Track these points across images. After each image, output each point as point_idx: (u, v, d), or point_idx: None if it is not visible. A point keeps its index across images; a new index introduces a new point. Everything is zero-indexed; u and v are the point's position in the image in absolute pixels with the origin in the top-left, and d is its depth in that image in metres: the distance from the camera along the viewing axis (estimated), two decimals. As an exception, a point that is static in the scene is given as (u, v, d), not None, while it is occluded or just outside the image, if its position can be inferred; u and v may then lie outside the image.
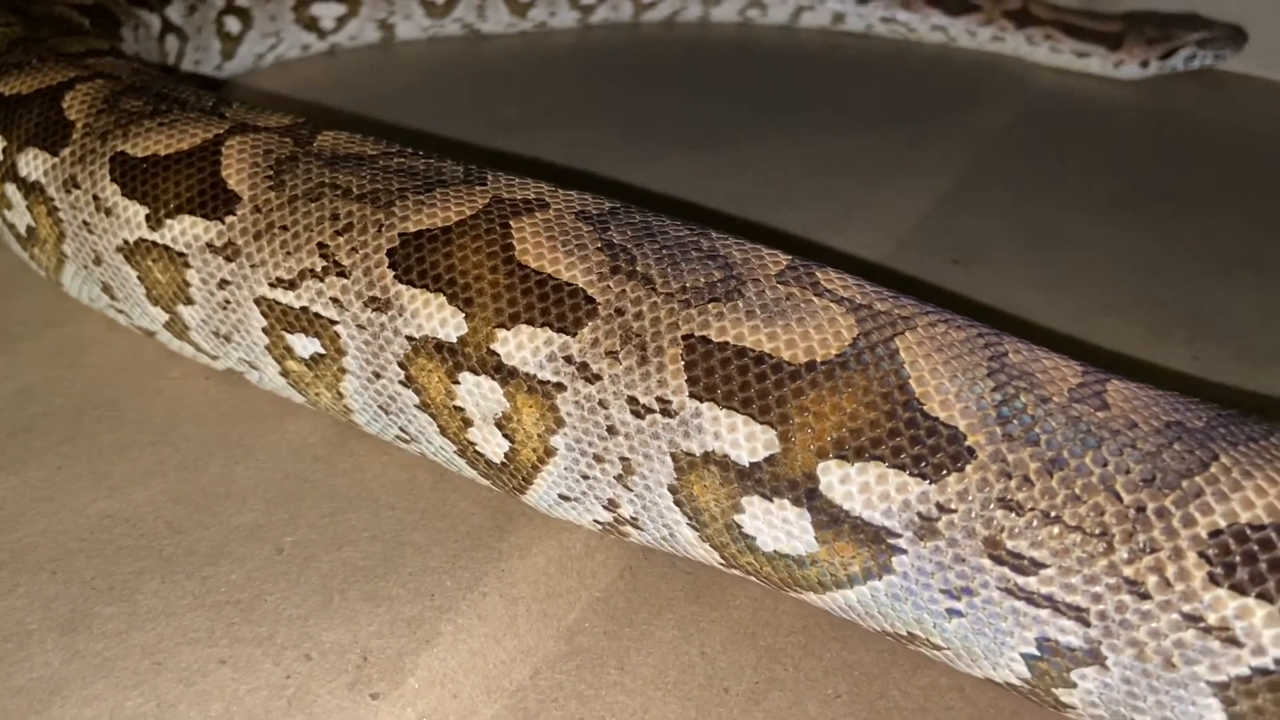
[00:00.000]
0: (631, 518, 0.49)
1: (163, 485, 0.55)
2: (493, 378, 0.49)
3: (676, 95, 1.13)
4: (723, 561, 0.48)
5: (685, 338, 0.46)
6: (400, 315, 0.50)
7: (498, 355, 0.48)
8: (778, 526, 0.45)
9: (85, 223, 0.60)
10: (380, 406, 0.54)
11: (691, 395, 0.45)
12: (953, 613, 0.43)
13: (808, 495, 0.43)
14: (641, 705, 0.46)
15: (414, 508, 0.54)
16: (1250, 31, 1.26)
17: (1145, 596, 0.39)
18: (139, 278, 0.59)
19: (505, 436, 0.50)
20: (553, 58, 1.22)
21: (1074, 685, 0.42)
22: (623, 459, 0.47)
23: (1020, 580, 0.41)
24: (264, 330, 0.55)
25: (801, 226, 0.86)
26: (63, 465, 0.56)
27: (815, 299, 0.46)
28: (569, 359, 0.47)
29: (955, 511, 0.41)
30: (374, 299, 0.51)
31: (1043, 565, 0.40)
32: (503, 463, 0.51)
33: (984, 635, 0.43)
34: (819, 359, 0.44)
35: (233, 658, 0.46)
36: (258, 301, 0.55)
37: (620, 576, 0.52)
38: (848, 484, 0.43)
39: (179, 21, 0.93)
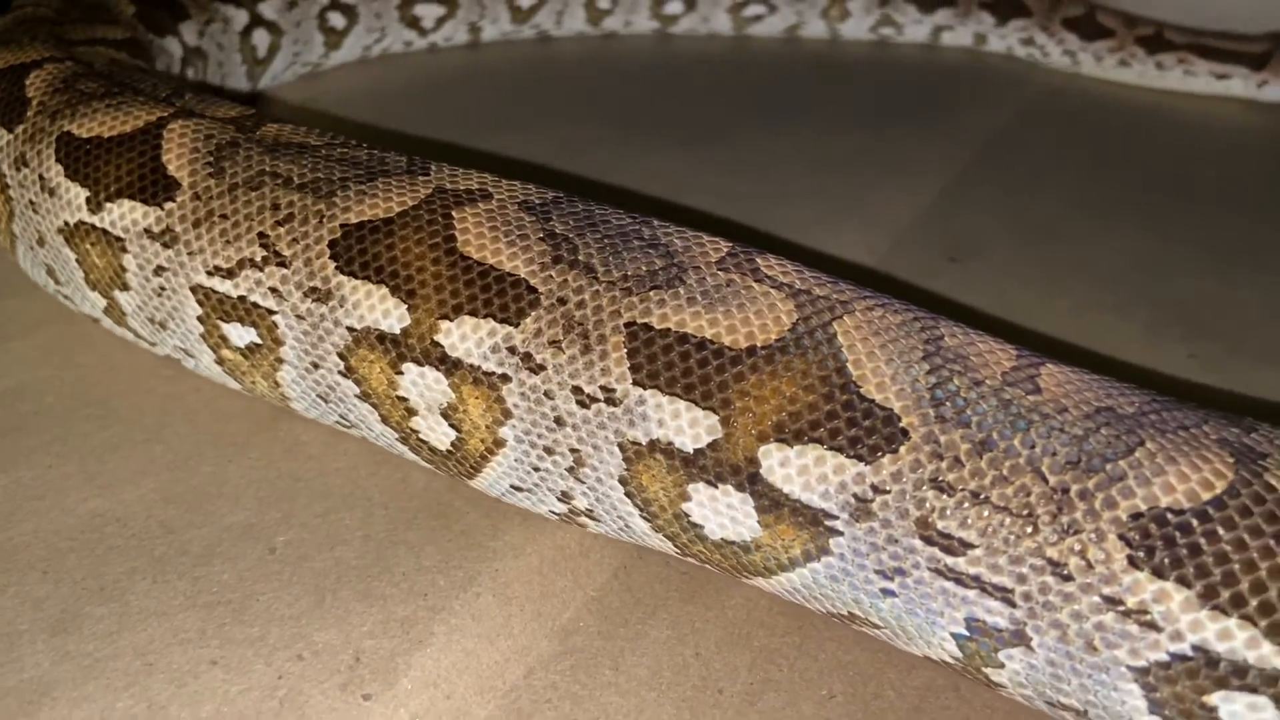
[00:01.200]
0: (587, 510, 0.49)
1: (154, 484, 0.54)
2: (437, 369, 0.49)
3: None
4: (677, 551, 0.49)
5: (627, 325, 0.46)
6: (341, 306, 0.50)
7: (441, 347, 0.48)
8: (723, 513, 0.45)
9: (31, 202, 0.60)
10: (319, 395, 0.54)
11: (635, 383, 0.45)
12: (886, 593, 0.43)
13: (750, 479, 0.44)
14: (636, 706, 0.45)
15: (407, 507, 0.54)
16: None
17: (1068, 578, 0.40)
18: (78, 261, 0.59)
19: (452, 426, 0.50)
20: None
21: (1002, 666, 0.42)
22: (573, 450, 0.47)
23: (949, 560, 0.42)
24: (199, 319, 0.55)
25: (797, 224, 0.86)
26: (54, 464, 0.56)
27: (755, 285, 0.47)
28: (513, 350, 0.47)
29: (889, 492, 0.42)
30: (314, 290, 0.51)
31: (971, 545, 0.41)
32: (449, 450, 0.51)
33: (916, 615, 0.43)
34: (759, 344, 0.44)
35: (224, 658, 0.45)
36: (194, 289, 0.54)
37: (614, 576, 0.52)
38: (788, 466, 0.43)
39: (273, 16, 0.94)
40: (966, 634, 0.43)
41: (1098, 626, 0.39)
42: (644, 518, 0.48)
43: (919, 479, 0.42)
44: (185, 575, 0.49)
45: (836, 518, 0.43)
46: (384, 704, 0.44)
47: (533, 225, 0.49)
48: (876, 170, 0.98)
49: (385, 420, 0.52)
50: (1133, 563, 0.39)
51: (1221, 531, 0.38)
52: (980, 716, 0.46)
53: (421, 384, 0.49)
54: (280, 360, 0.53)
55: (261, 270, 0.52)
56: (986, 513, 0.41)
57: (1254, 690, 0.38)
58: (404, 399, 0.50)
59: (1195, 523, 0.38)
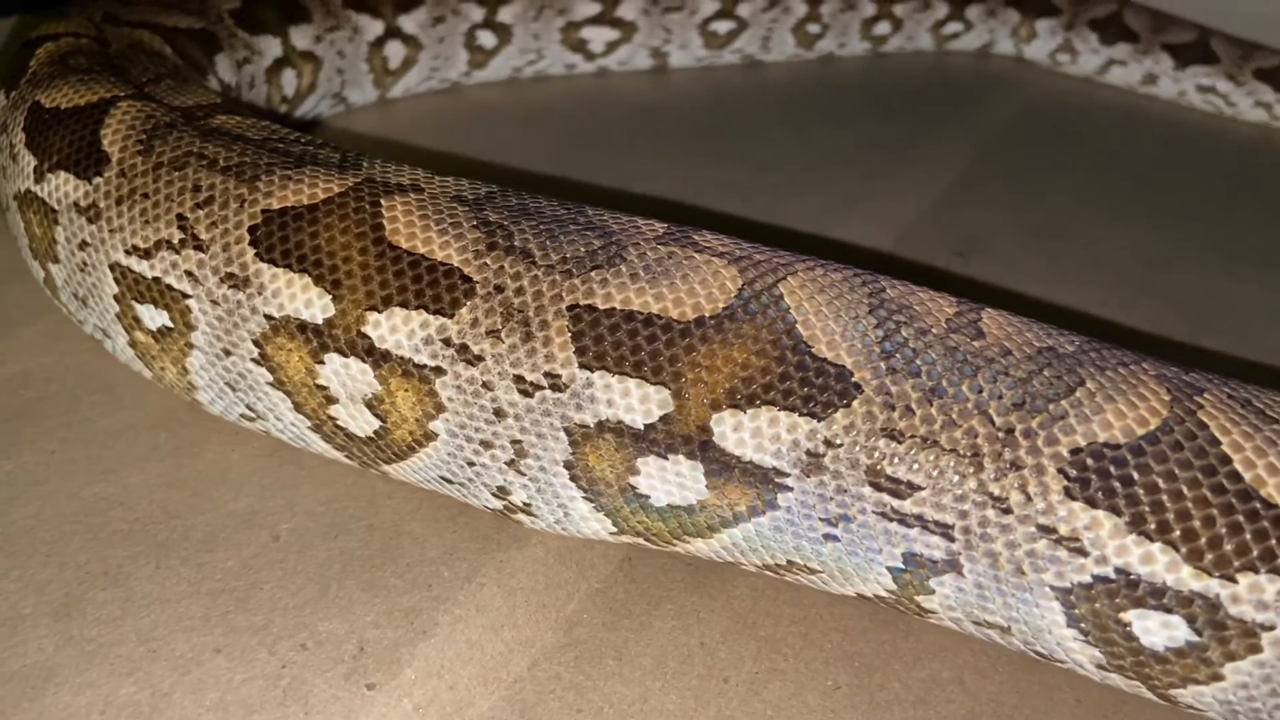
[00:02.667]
0: (524, 504, 0.49)
1: (158, 470, 0.54)
2: (363, 360, 0.48)
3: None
4: (613, 530, 0.49)
5: (570, 308, 0.45)
6: (260, 294, 0.49)
7: (369, 338, 0.47)
8: (671, 481, 0.45)
9: (2, 167, 0.60)
10: (227, 384, 0.53)
11: (581, 366, 0.45)
12: (829, 538, 0.45)
13: (701, 447, 0.44)
14: (640, 696, 0.45)
15: (411, 497, 0.53)
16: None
17: (1008, 511, 0.42)
18: (24, 228, 0.59)
19: (376, 416, 0.49)
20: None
21: (933, 592, 0.45)
22: (514, 442, 0.47)
23: (895, 504, 0.43)
24: (115, 298, 0.55)
25: (804, 217, 0.86)
26: (57, 449, 0.55)
27: (696, 255, 0.47)
28: (447, 341, 0.46)
29: (841, 446, 0.43)
30: (231, 275, 0.50)
31: (918, 488, 0.43)
32: (369, 438, 0.50)
33: (856, 555, 0.45)
34: (708, 314, 0.45)
35: (228, 646, 0.45)
36: (112, 267, 0.54)
37: (619, 567, 0.51)
38: (740, 431, 0.44)
39: (414, 30, 0.92)
40: (903, 567, 0.44)
41: (1029, 554, 0.42)
42: (586, 499, 0.47)
43: (871, 430, 0.43)
44: (189, 561, 0.49)
45: (788, 474, 0.44)
46: (387, 694, 0.44)
47: (465, 215, 0.48)
48: (884, 163, 0.97)
49: (299, 408, 0.51)
50: (1069, 494, 0.41)
51: (1153, 465, 0.41)
52: (986, 710, 0.46)
53: (344, 374, 0.49)
54: (190, 345, 0.53)
55: (178, 253, 0.51)
56: (935, 456, 0.42)
57: (1169, 610, 0.40)
58: (324, 388, 0.50)
59: (1129, 456, 0.41)
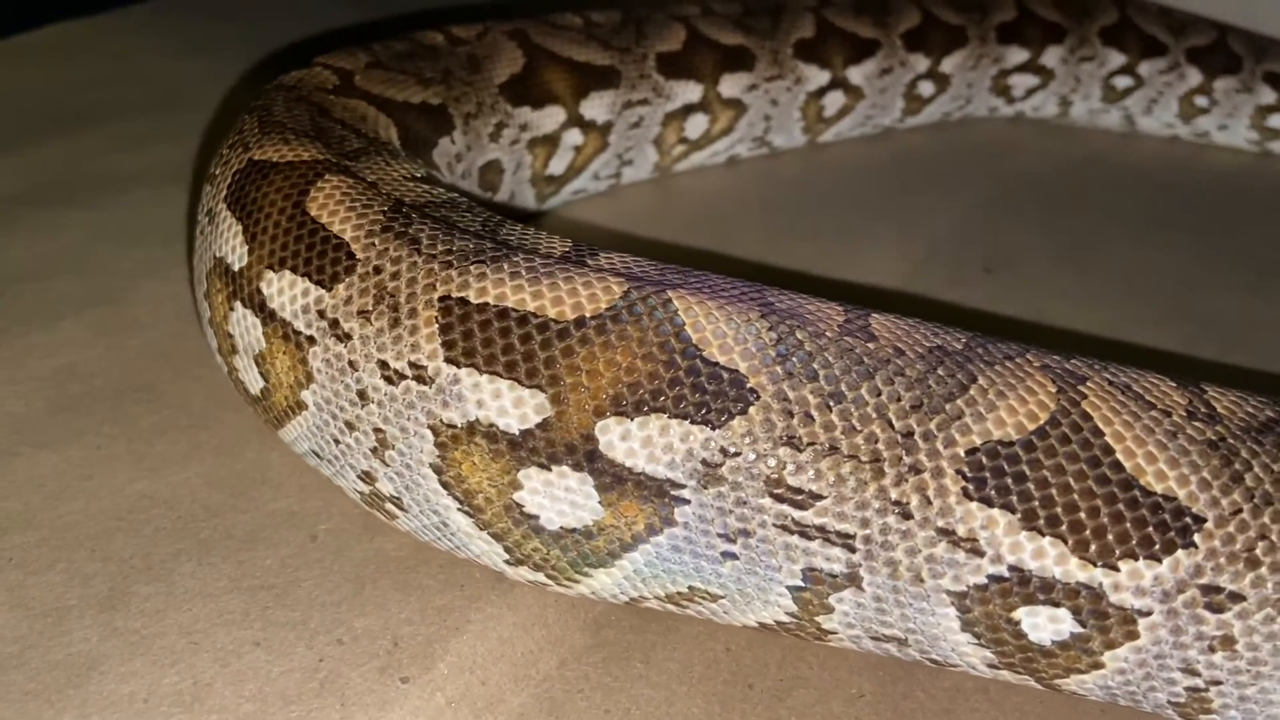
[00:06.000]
0: (393, 496, 0.48)
1: (200, 469, 0.56)
2: (256, 315, 0.49)
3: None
4: (507, 558, 0.47)
5: (441, 299, 0.44)
6: (216, 234, 0.53)
7: (263, 295, 0.49)
8: (561, 498, 0.44)
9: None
10: (207, 321, 0.57)
11: (448, 360, 0.44)
12: (728, 555, 0.44)
13: (588, 458, 0.43)
14: (666, 699, 0.46)
15: (446, 497, 0.55)
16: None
17: (908, 516, 0.42)
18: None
19: (261, 374, 0.51)
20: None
21: (832, 610, 0.44)
22: (377, 430, 0.46)
23: (796, 515, 0.42)
24: None
25: (833, 231, 0.86)
26: (102, 445, 0.57)
27: (587, 264, 0.45)
28: (322, 314, 0.47)
29: (739, 455, 0.42)
30: (208, 211, 0.54)
31: (820, 497, 0.42)
32: (257, 396, 0.52)
33: (755, 574, 0.44)
34: (589, 314, 0.43)
35: (267, 640, 0.46)
36: None
37: (648, 571, 0.52)
38: (629, 440, 0.42)
39: (859, 81, 0.95)
40: (802, 584, 0.44)
41: (929, 559, 0.42)
42: (465, 513, 0.46)
43: (771, 437, 0.42)
44: (230, 559, 0.50)
45: (684, 486, 0.43)
46: (421, 687, 0.45)
47: (382, 200, 0.49)
48: (916, 179, 0.98)
49: (219, 351, 0.54)
50: (966, 494, 0.41)
51: (1043, 459, 0.41)
52: (1011, 719, 0.47)
53: (243, 325, 0.51)
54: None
55: None
56: (837, 463, 0.42)
57: (1056, 604, 0.41)
58: (230, 335, 0.52)
59: (1021, 453, 0.41)
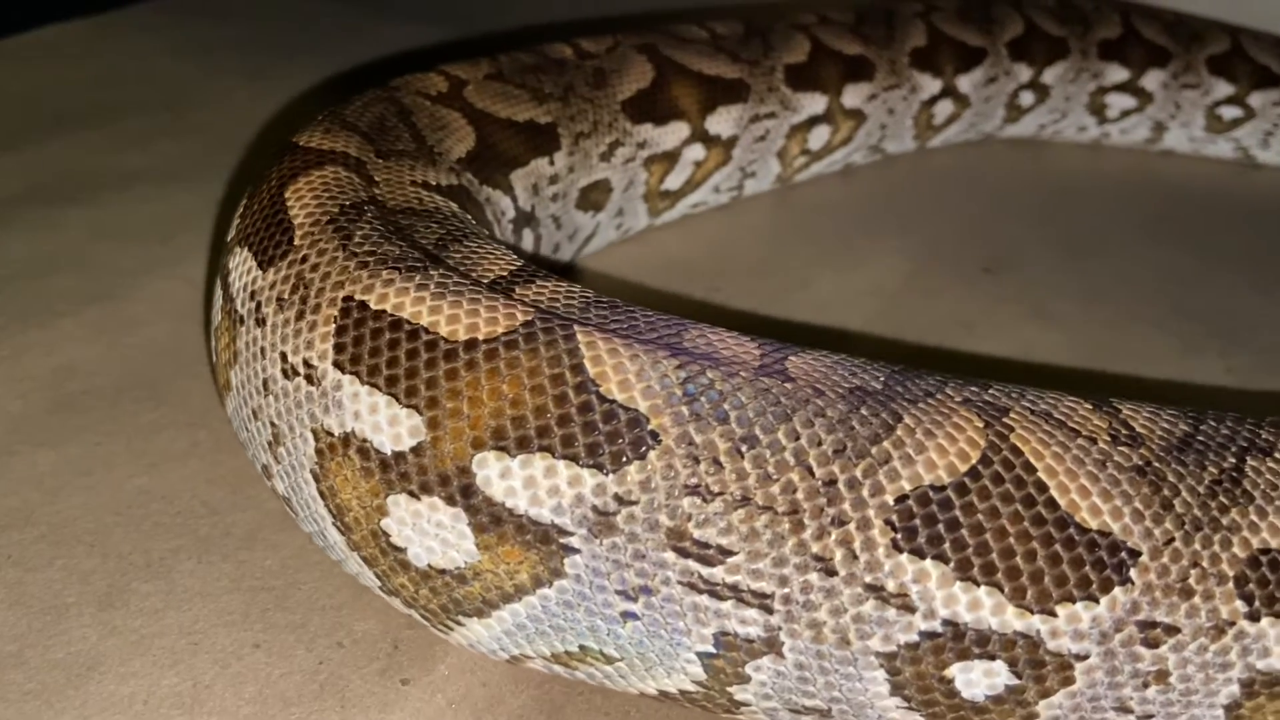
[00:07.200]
0: (285, 496, 0.46)
1: (199, 466, 0.56)
2: (221, 289, 0.50)
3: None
4: (380, 585, 0.44)
5: (345, 299, 0.42)
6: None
7: (227, 269, 0.49)
8: (429, 532, 0.40)
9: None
10: None
11: (335, 364, 0.41)
12: (628, 615, 0.40)
13: (463, 492, 0.39)
14: (665, 702, 0.46)
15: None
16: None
17: (831, 573, 0.38)
18: None
19: (212, 346, 0.51)
20: None
21: (748, 680, 0.40)
22: (272, 424, 0.44)
23: (705, 571, 0.38)
24: None
25: (832, 231, 0.86)
26: (101, 442, 0.57)
27: (507, 291, 0.43)
28: (253, 295, 0.46)
29: (636, 503, 0.38)
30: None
31: (730, 553, 0.38)
32: (212, 369, 0.53)
33: (659, 637, 0.40)
34: (482, 337, 0.40)
35: (267, 642, 0.46)
36: None
37: (649, 573, 0.52)
38: (509, 478, 0.39)
39: (967, 89, 0.95)
40: (714, 651, 0.40)
41: (856, 618, 0.38)
42: (339, 529, 0.43)
43: (673, 486, 0.38)
44: (229, 558, 0.50)
45: (572, 534, 0.39)
46: (421, 689, 0.45)
47: (360, 194, 0.49)
48: (915, 179, 0.98)
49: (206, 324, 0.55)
50: (896, 546, 0.38)
51: (976, 502, 0.38)
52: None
53: (216, 299, 0.51)
54: None
55: None
56: (749, 514, 0.38)
57: (992, 657, 0.38)
58: (210, 309, 0.53)
59: (954, 497, 0.38)
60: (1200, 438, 0.42)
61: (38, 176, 0.82)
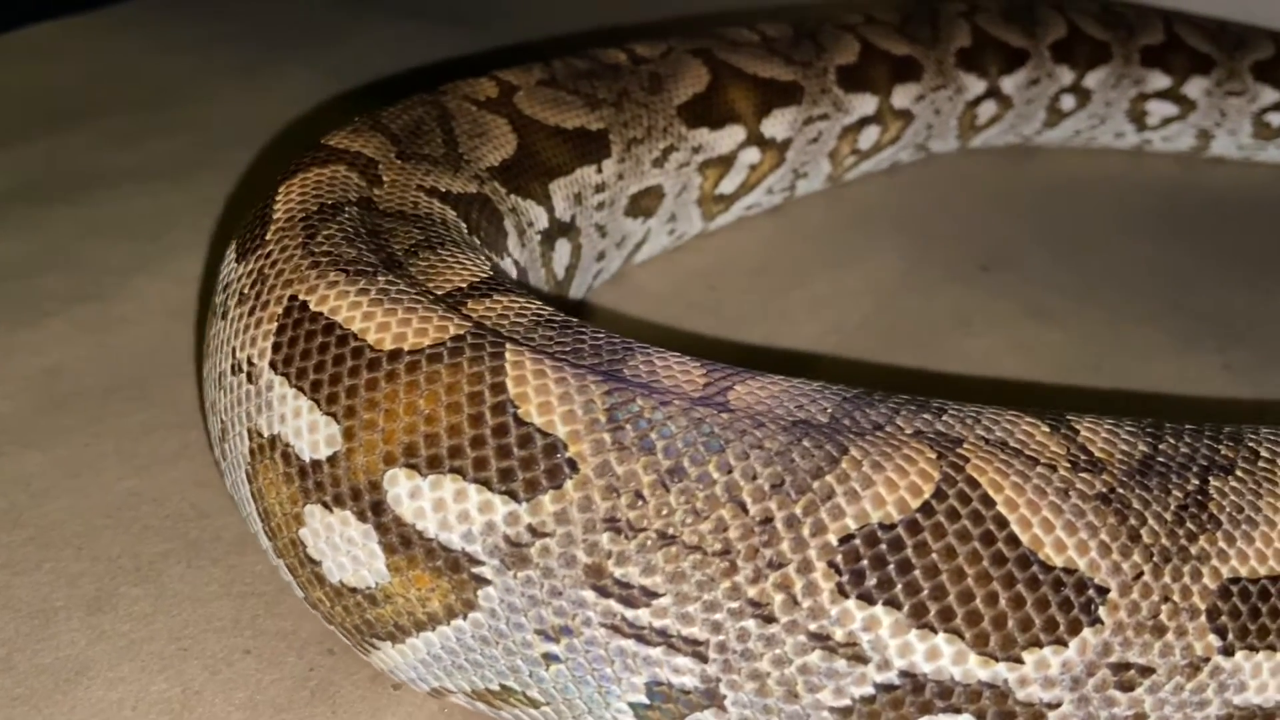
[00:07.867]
0: (230, 494, 0.46)
1: (189, 468, 0.55)
2: (220, 290, 0.48)
3: None
4: (303, 596, 0.43)
5: (290, 298, 0.41)
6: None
7: (221, 262, 0.49)
8: (340, 547, 0.39)
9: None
10: None
11: (271, 364, 0.41)
12: (550, 658, 0.37)
13: (374, 509, 0.38)
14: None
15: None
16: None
17: (770, 620, 0.35)
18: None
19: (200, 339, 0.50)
20: None
21: None
22: (221, 419, 0.44)
23: (629, 614, 0.36)
24: None
25: (827, 226, 0.86)
26: (90, 443, 0.56)
27: (452, 304, 0.41)
28: (225, 288, 0.46)
29: (551, 535, 0.36)
30: None
31: (655, 594, 0.35)
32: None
33: (587, 683, 0.37)
34: (407, 348, 0.38)
35: (257, 648, 0.46)
36: None
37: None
38: (419, 498, 0.37)
39: (1009, 91, 0.95)
40: (647, 702, 0.37)
41: (802, 669, 0.35)
42: (266, 533, 0.42)
43: (590, 519, 0.35)
44: (219, 562, 0.50)
45: (484, 564, 0.36)
46: (412, 694, 0.44)
47: (352, 195, 0.48)
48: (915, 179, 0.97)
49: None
50: (841, 591, 0.35)
51: (930, 541, 0.35)
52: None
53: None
54: None
55: None
56: (675, 553, 0.35)
57: (958, 710, 0.36)
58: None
59: (905, 535, 0.35)
60: (1160, 458, 0.40)
61: (25, 174, 0.82)
